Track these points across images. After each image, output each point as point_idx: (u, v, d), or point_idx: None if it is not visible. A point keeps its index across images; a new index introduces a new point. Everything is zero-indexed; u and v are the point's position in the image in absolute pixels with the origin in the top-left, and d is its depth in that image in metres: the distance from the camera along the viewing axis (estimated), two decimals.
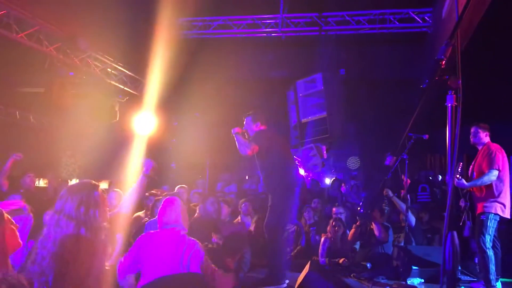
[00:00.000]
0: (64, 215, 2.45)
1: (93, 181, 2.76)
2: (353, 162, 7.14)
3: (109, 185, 10.07)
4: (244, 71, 10.04)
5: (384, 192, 6.75)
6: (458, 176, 4.93)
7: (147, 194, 6.90)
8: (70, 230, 2.43)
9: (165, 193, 6.68)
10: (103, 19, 7.08)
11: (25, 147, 13.13)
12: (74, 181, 14.08)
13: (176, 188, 7.12)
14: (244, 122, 5.40)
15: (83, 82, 7.82)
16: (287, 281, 4.85)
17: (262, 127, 5.32)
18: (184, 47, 8.35)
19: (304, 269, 4.81)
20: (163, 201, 3.90)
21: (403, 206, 6.29)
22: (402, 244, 5.85)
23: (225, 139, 10.80)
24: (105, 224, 2.62)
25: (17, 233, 2.26)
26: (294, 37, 8.94)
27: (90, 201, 2.54)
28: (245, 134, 5.29)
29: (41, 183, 13.25)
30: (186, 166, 11.20)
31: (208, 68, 9.20)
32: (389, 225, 6.60)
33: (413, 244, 6.24)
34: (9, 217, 2.23)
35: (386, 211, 6.83)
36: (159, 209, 3.81)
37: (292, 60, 9.65)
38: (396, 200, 6.66)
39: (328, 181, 11.80)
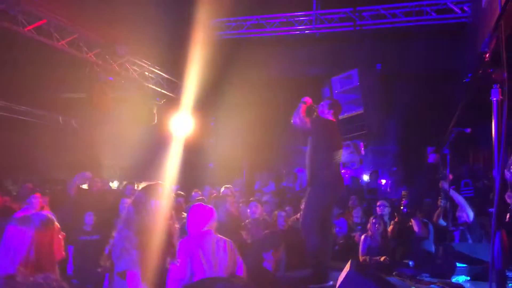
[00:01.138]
0: None
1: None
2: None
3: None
4: (279, 70, 10.04)
5: (440, 184, 6.47)
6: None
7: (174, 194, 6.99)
8: None
9: (214, 194, 6.74)
10: (139, 24, 7.25)
11: (69, 150, 13.65)
12: (115, 183, 14.52)
13: (222, 189, 7.22)
14: (322, 103, 5.22)
15: (122, 86, 8.03)
16: (331, 282, 4.79)
17: (332, 118, 5.16)
18: (219, 48, 8.43)
19: (345, 268, 4.76)
20: (193, 206, 3.99)
21: (461, 199, 6.02)
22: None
23: (262, 138, 10.93)
24: None
25: (63, 244, 2.34)
26: (328, 34, 8.87)
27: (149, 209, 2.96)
28: (313, 109, 5.11)
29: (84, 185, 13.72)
30: (223, 166, 11.31)
31: (242, 68, 9.25)
32: (428, 221, 6.40)
33: (469, 241, 5.96)
34: (59, 226, 2.32)
35: (443, 204, 6.51)
36: (189, 214, 3.89)
37: (327, 57, 9.56)
38: (454, 193, 6.33)
39: (366, 177, 11.64)
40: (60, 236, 2.31)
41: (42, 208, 5.65)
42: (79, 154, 13.44)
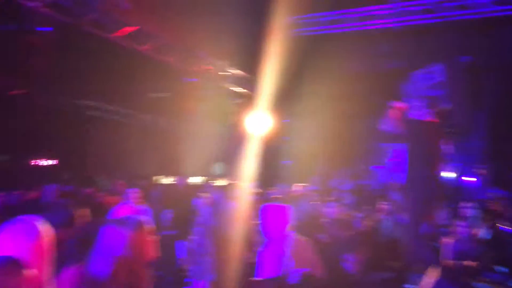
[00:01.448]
0: None
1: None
2: None
3: (228, 182, 10.61)
4: (357, 64, 9.84)
5: None
6: None
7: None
8: None
9: (291, 193, 6.79)
10: (217, 27, 7.49)
11: (155, 148, 14.44)
12: (196, 179, 15.10)
13: (296, 187, 7.23)
14: (413, 101, 4.83)
15: (203, 87, 8.33)
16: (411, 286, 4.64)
17: (434, 119, 4.69)
18: (296, 45, 8.43)
19: (429, 272, 4.58)
20: (270, 206, 3.76)
21: None
22: None
23: (339, 134, 10.78)
24: None
25: (154, 245, 2.40)
26: (409, 27, 8.51)
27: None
28: (403, 111, 4.65)
29: (163, 180, 14.47)
30: (299, 163, 11.32)
31: (320, 64, 9.19)
32: None
33: None
34: (149, 228, 2.38)
35: None
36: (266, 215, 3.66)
37: (408, 51, 9.20)
38: None
39: (451, 176, 11.04)
40: (151, 237, 2.36)
41: (138, 202, 5.94)
42: (164, 151, 14.18)
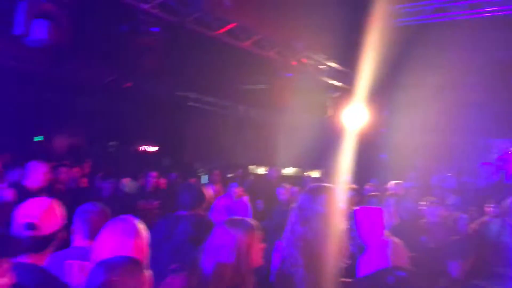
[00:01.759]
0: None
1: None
2: None
3: (321, 175, 10.57)
4: (464, 55, 9.17)
5: None
6: None
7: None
8: None
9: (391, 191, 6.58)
10: (315, 18, 7.40)
11: (248, 138, 14.81)
12: (289, 169, 15.25)
13: (393, 185, 6.99)
14: None
15: (299, 80, 8.33)
16: None
17: None
18: (397, 34, 8.09)
19: None
20: (364, 209, 3.63)
21: None
22: None
23: (442, 128, 10.19)
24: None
25: (262, 252, 2.35)
26: None
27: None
28: None
29: (258, 170, 14.80)
30: (397, 157, 10.91)
31: (422, 54, 8.72)
32: None
33: None
34: (260, 233, 2.35)
35: None
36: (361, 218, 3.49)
37: None
38: None
39: None
40: (260, 244, 2.32)
41: (240, 196, 6.29)
42: (257, 142, 14.51)
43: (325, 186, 2.79)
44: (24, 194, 3.84)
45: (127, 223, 2.11)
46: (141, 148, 19.67)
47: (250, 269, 2.23)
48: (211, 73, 10.04)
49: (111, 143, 21.73)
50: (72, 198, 5.24)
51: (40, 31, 4.94)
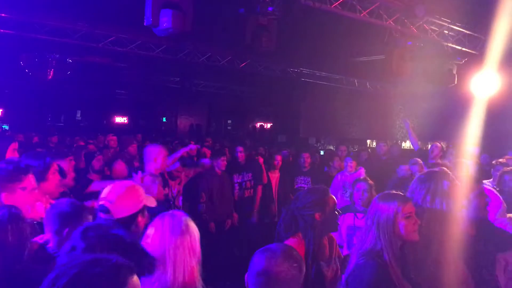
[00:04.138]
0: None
1: (445, 169, 2.66)
2: None
3: (446, 147, 9.92)
4: None
5: None
6: None
7: (493, 162, 6.34)
8: None
9: None
10: None
11: (363, 111, 14.42)
12: (407, 143, 14.55)
13: None
14: None
15: (420, 48, 7.82)
16: None
17: None
18: None
19: None
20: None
21: None
22: None
23: None
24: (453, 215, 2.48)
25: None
26: None
27: (437, 191, 2.48)
28: None
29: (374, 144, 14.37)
30: None
31: None
32: None
33: None
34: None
35: None
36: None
37: None
38: None
39: None
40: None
41: (355, 169, 6.43)
42: (373, 114, 14.07)
43: (444, 174, 2.60)
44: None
45: (175, 218, 2.01)
46: (258, 125, 20.32)
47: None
48: (324, 47, 9.89)
49: (228, 121, 22.83)
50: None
51: (166, 21, 5.29)
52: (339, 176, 6.66)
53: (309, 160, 7.04)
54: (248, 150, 7.51)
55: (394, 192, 2.33)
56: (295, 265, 1.76)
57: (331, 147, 13.82)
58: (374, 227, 2.21)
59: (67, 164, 3.69)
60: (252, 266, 1.76)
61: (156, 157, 4.42)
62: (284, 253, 1.78)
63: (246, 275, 1.79)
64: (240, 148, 6.72)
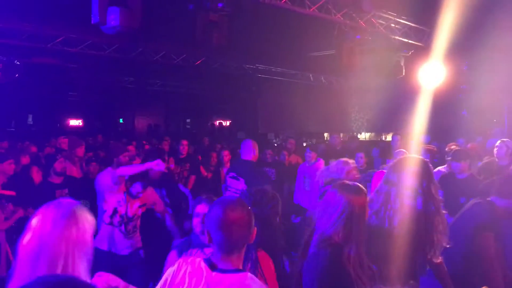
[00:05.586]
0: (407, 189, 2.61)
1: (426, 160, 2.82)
2: None
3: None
4: None
5: None
6: None
7: (446, 149, 6.61)
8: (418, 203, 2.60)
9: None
10: None
11: (319, 105, 14.66)
12: (363, 135, 14.96)
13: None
14: None
15: (369, 42, 8.06)
16: None
17: None
18: None
19: None
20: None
21: None
22: None
23: None
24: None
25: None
26: None
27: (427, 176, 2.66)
28: None
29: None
30: (479, 114, 10.30)
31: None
32: None
33: None
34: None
35: None
36: None
37: None
38: None
39: None
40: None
41: (315, 160, 6.70)
42: (329, 108, 14.35)
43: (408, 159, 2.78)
44: None
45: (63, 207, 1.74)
46: (217, 122, 20.29)
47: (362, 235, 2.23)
48: (278, 43, 10.00)
49: (187, 120, 22.66)
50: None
51: (113, 18, 5.21)
52: (300, 167, 6.91)
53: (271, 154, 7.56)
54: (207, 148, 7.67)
55: (356, 183, 2.40)
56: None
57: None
58: (336, 216, 2.23)
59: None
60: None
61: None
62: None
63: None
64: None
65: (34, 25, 8.32)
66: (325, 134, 15.64)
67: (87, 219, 1.73)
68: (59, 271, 1.56)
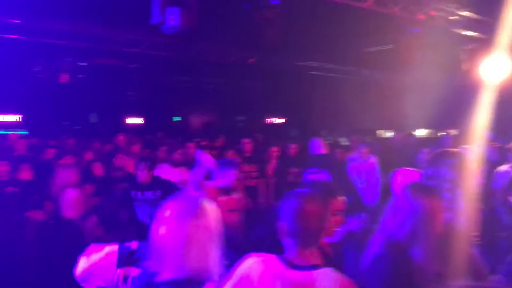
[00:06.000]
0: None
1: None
2: None
3: (458, 134, 9.86)
4: None
5: None
6: None
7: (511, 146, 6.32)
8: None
9: None
10: None
11: (373, 101, 14.37)
12: (420, 131, 14.48)
13: None
14: None
15: (428, 35, 7.81)
16: None
17: None
18: None
19: None
20: None
21: None
22: None
23: None
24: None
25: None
26: None
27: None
28: None
29: (387, 134, 14.33)
30: None
31: None
32: None
33: None
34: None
35: None
36: None
37: None
38: None
39: None
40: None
41: (367, 156, 6.51)
42: (384, 105, 14.02)
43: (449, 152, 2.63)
44: None
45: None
46: (269, 120, 20.33)
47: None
48: (332, 39, 9.89)
49: (239, 118, 22.84)
50: None
51: (173, 18, 5.40)
52: (352, 164, 6.81)
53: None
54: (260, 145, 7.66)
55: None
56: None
57: (344, 139, 13.82)
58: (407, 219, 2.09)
59: None
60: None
61: None
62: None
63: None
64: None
65: (96, 27, 8.74)
66: (379, 132, 15.28)
67: (213, 209, 1.82)
68: (203, 258, 1.70)
